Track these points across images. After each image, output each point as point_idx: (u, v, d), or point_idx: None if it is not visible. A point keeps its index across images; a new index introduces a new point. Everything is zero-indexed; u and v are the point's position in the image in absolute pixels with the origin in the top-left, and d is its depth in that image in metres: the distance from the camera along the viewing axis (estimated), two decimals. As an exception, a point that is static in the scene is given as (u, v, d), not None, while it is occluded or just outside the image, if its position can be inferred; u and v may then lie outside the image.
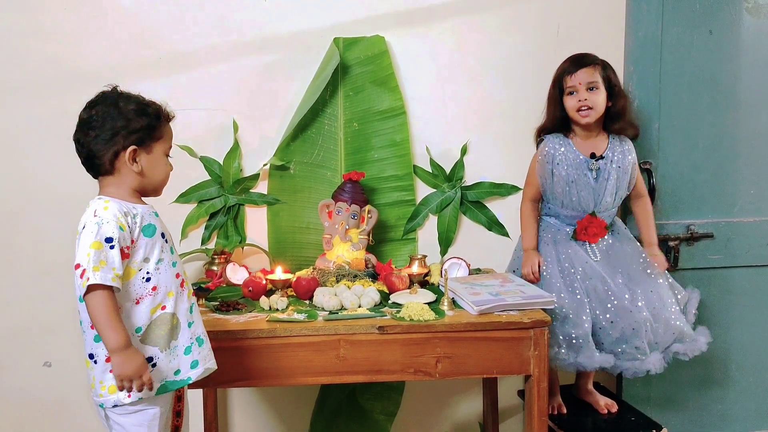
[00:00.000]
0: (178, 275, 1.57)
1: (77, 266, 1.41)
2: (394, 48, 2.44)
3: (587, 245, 2.22)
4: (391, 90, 2.44)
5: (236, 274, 2.27)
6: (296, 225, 2.48)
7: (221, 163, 2.43)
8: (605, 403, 2.32)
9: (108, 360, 1.46)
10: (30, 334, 2.40)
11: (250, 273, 2.28)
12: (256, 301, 2.07)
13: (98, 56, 2.35)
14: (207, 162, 2.43)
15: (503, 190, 2.53)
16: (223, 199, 2.44)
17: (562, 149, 2.23)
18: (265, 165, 2.43)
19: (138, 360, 1.44)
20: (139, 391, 1.44)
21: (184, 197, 2.42)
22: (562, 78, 2.19)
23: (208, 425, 2.36)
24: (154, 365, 1.51)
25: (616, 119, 2.21)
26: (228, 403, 2.55)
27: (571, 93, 2.18)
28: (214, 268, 2.33)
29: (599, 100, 2.17)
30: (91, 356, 1.50)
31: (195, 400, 2.34)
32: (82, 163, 1.53)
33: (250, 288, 2.11)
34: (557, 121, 2.24)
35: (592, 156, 2.21)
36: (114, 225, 1.43)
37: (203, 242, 2.46)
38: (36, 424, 2.47)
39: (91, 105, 1.50)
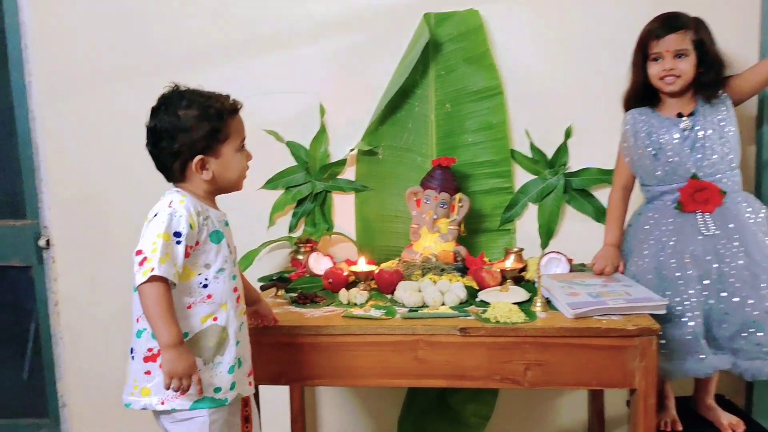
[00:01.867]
0: (235, 289, 1.49)
1: (138, 252, 1.36)
2: (489, 22, 2.26)
3: (699, 218, 1.91)
4: (486, 68, 2.26)
5: (320, 264, 2.18)
6: (384, 213, 2.36)
7: (308, 149, 2.36)
8: (729, 422, 2.01)
9: (147, 359, 1.41)
10: (129, 317, 2.44)
11: (334, 263, 2.19)
12: (336, 293, 1.97)
13: (184, 41, 2.35)
14: (293, 147, 2.36)
15: (612, 177, 2.26)
16: (310, 186, 2.37)
17: (643, 117, 2.00)
18: (352, 150, 2.34)
19: (189, 359, 1.37)
20: (186, 391, 1.37)
21: (271, 183, 2.37)
22: (647, 42, 1.94)
23: (294, 421, 2.31)
24: None
25: (709, 88, 1.94)
26: (316, 400, 2.49)
27: (655, 59, 1.94)
28: (300, 257, 2.26)
29: (687, 67, 1.92)
30: (131, 351, 1.45)
31: (283, 395, 2.30)
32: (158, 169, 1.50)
33: (330, 280, 2.01)
34: (640, 88, 2.00)
35: (680, 116, 1.95)
36: (185, 221, 1.38)
37: (291, 229, 2.40)
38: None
39: (153, 113, 1.44)
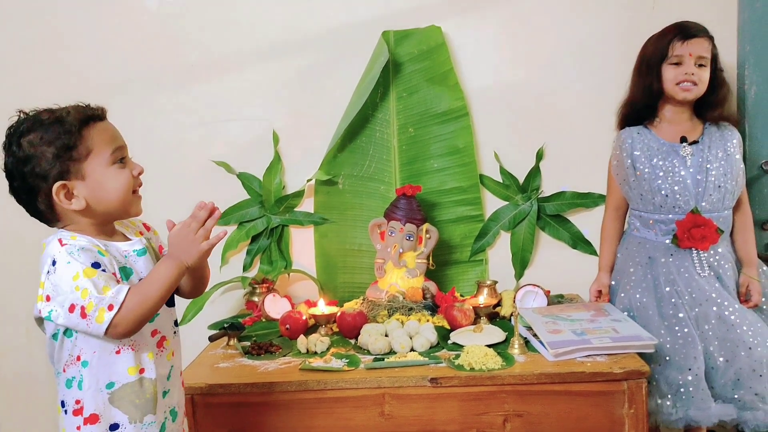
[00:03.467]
0: (154, 332, 1.27)
1: (72, 308, 1.13)
2: (452, 40, 2.13)
3: (694, 256, 1.78)
4: (450, 88, 2.12)
5: (276, 307, 2.00)
6: (347, 247, 2.19)
7: (261, 180, 2.19)
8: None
9: (76, 413, 1.20)
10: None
11: (293, 305, 2.01)
12: (294, 340, 1.79)
13: (129, 64, 2.17)
14: (245, 179, 2.19)
15: (589, 200, 2.15)
16: (265, 220, 2.20)
17: (642, 138, 1.85)
18: (309, 180, 2.18)
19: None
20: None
21: (222, 219, 2.18)
22: (670, 44, 1.79)
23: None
24: None
25: (714, 107, 1.83)
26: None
27: (676, 63, 1.79)
28: (255, 298, 2.08)
29: (705, 78, 1.80)
30: (62, 404, 1.23)
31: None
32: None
33: (288, 326, 1.83)
34: (646, 97, 1.84)
35: (683, 140, 1.80)
36: (92, 250, 1.16)
37: (245, 269, 2.21)
38: None
39: (3, 149, 1.21)
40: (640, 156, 1.83)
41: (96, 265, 1.15)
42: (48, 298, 1.15)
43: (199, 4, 2.15)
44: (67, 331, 1.19)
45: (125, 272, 1.21)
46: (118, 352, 1.21)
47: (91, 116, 1.21)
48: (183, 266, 1.20)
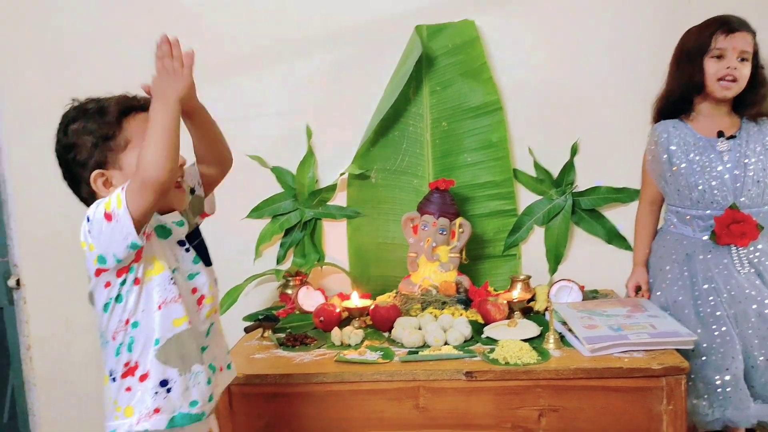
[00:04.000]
0: (194, 290, 1.29)
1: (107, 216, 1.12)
2: (486, 34, 2.11)
3: (732, 253, 1.75)
4: (484, 82, 2.11)
5: (310, 299, 2.01)
6: (379, 240, 2.20)
7: (294, 174, 2.20)
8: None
9: (125, 375, 1.22)
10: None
11: (326, 297, 2.02)
12: (328, 332, 1.80)
13: None
14: (279, 173, 2.21)
15: (624, 195, 2.13)
16: (298, 213, 2.21)
17: (678, 132, 1.82)
18: (342, 174, 2.18)
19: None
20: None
21: (256, 212, 2.21)
22: (712, 36, 1.75)
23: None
24: (169, 390, 1.23)
25: (753, 104, 1.79)
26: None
27: (718, 57, 1.75)
28: (289, 291, 2.10)
29: (746, 73, 1.76)
30: (110, 373, 1.25)
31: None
32: None
33: (322, 318, 1.84)
34: (684, 89, 1.81)
35: (720, 135, 1.77)
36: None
37: (279, 261, 2.23)
38: None
39: (55, 136, 1.25)
40: (677, 151, 1.80)
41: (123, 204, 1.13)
42: (91, 247, 1.16)
43: (232, 1, 2.16)
44: (118, 297, 1.21)
45: (164, 229, 1.24)
46: (160, 307, 1.22)
47: (133, 107, 1.23)
48: (171, 101, 1.15)
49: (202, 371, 1.26)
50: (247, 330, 1.82)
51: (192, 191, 1.35)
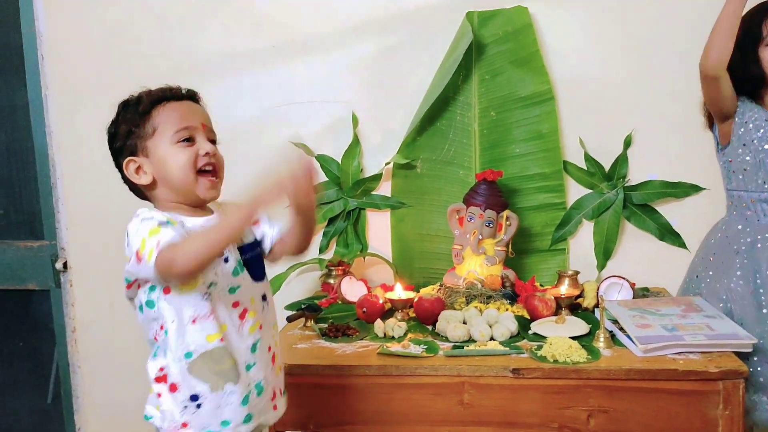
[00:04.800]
0: (236, 304, 1.27)
1: (131, 260, 1.17)
2: (539, 20, 2.05)
3: None
4: (535, 71, 2.05)
5: (353, 290, 1.99)
6: (424, 232, 2.17)
7: (339, 162, 2.18)
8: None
9: (158, 380, 1.24)
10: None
11: (369, 288, 2.00)
12: (371, 324, 1.78)
13: (206, 48, 2.21)
14: (324, 161, 2.19)
15: (679, 190, 2.06)
16: (342, 203, 2.19)
17: (749, 107, 1.75)
18: (388, 163, 2.15)
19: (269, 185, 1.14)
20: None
21: (299, 201, 2.18)
22: (763, 23, 1.68)
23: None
24: (199, 405, 1.23)
25: None
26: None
27: None
28: (331, 281, 2.08)
29: None
30: (149, 370, 1.27)
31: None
32: None
33: (365, 309, 1.82)
34: (743, 82, 1.73)
35: None
36: (162, 220, 1.18)
37: (321, 251, 2.21)
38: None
39: None
40: (751, 126, 1.73)
41: (163, 223, 1.17)
42: (127, 259, 1.19)
43: (280, -13, 2.15)
44: (149, 302, 1.23)
45: None
46: (194, 321, 1.22)
47: (164, 96, 1.25)
48: (257, 210, 1.15)
49: (236, 391, 1.24)
50: (289, 319, 1.82)
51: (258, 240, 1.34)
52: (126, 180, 1.28)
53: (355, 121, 2.15)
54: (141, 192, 1.29)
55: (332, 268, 2.10)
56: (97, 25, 2.25)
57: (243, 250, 1.30)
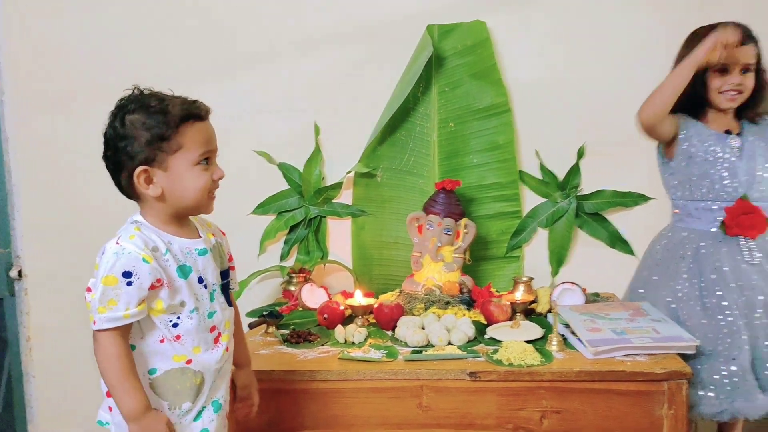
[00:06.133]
0: (212, 328, 1.30)
1: (88, 289, 1.22)
2: (496, 35, 2.13)
3: (741, 244, 1.76)
4: (493, 84, 2.12)
5: (313, 297, 2.02)
6: (383, 239, 2.21)
7: (301, 171, 2.21)
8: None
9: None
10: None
11: (329, 295, 2.03)
12: (332, 330, 1.81)
13: (168, 57, 2.22)
14: (286, 169, 2.22)
15: (628, 200, 2.15)
16: (303, 211, 2.22)
17: (692, 124, 1.84)
18: (349, 172, 2.20)
19: (161, 423, 1.19)
20: None
21: (261, 208, 2.22)
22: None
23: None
24: None
25: (754, 106, 1.83)
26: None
27: (721, 70, 1.77)
28: (292, 288, 2.10)
29: (751, 84, 1.79)
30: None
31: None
32: None
33: (326, 315, 1.85)
34: (687, 102, 1.82)
35: (728, 132, 1.81)
36: (135, 258, 1.19)
37: (282, 258, 2.24)
38: None
39: (109, 119, 1.26)
40: (693, 138, 1.82)
41: (126, 274, 1.18)
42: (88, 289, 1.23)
43: (243, -3, 2.18)
44: None
45: (183, 270, 1.24)
46: (162, 341, 1.24)
47: (193, 114, 1.24)
48: (126, 416, 1.20)
49: (191, 409, 1.27)
50: (251, 326, 1.83)
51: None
52: (115, 179, 1.26)
53: (317, 130, 2.19)
54: (130, 193, 1.27)
55: (293, 275, 2.12)
56: (56, 32, 2.24)
57: (222, 275, 1.34)
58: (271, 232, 2.22)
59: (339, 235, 2.24)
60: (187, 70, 2.19)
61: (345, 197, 2.22)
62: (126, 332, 1.20)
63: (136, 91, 1.25)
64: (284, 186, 2.22)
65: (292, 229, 2.23)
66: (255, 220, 2.22)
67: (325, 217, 2.23)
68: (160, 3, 2.20)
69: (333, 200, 2.22)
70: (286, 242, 2.24)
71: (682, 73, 1.74)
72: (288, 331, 1.80)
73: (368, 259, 2.21)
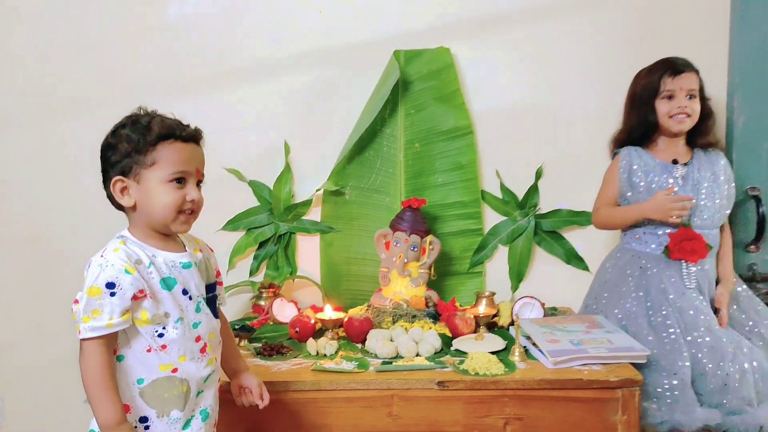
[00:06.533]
0: (198, 338, 1.36)
1: (76, 301, 1.26)
2: (460, 61, 2.22)
3: (683, 268, 1.89)
4: (456, 107, 2.21)
5: (284, 311, 2.08)
6: (351, 256, 2.28)
7: (271, 188, 2.26)
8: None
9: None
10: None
11: (299, 309, 2.09)
12: (304, 343, 1.87)
13: (140, 74, 2.25)
14: (256, 187, 2.26)
15: (583, 218, 2.26)
16: (273, 227, 2.27)
17: (639, 155, 1.99)
18: (318, 190, 2.26)
19: None
20: None
21: (231, 225, 2.26)
22: (660, 79, 1.91)
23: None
24: (147, 428, 1.30)
25: (703, 134, 1.97)
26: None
27: (668, 97, 1.91)
28: (262, 302, 2.15)
29: (698, 109, 1.93)
30: None
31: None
32: None
33: (297, 329, 1.91)
34: (640, 128, 1.97)
35: (675, 162, 1.95)
36: (118, 269, 1.24)
37: (251, 273, 2.28)
38: None
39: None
40: (638, 170, 1.95)
41: (109, 285, 1.23)
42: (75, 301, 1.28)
43: (217, 18, 2.23)
44: None
45: (166, 283, 1.30)
46: (149, 351, 1.29)
47: (173, 134, 1.30)
48: (102, 426, 1.25)
49: (181, 417, 1.32)
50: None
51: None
52: (106, 186, 1.32)
53: (287, 149, 2.25)
54: (114, 203, 1.33)
55: (263, 290, 2.17)
56: (28, 46, 2.25)
57: (208, 288, 1.40)
58: (240, 248, 2.27)
59: (308, 251, 2.29)
60: (160, 89, 2.23)
61: (314, 214, 2.28)
62: (110, 342, 1.25)
63: (140, 111, 1.33)
64: (254, 203, 2.27)
65: (262, 245, 2.28)
66: (225, 237, 2.26)
67: (294, 233, 2.28)
68: (132, 21, 2.24)
69: (302, 217, 2.28)
70: (255, 258, 2.28)
71: (629, 218, 1.97)
72: (261, 345, 1.85)
73: (336, 275, 2.27)
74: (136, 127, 1.30)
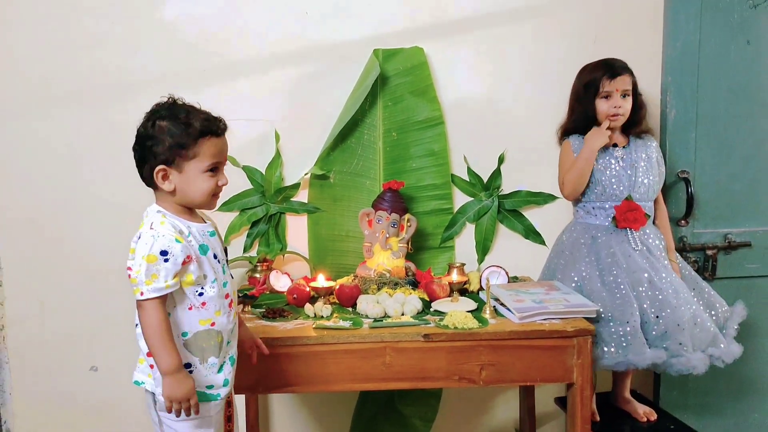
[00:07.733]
0: (227, 296, 1.60)
1: (129, 269, 1.47)
2: (432, 59, 2.46)
3: (629, 235, 2.20)
4: (429, 100, 2.47)
5: (279, 282, 2.31)
6: (336, 233, 2.52)
7: (263, 173, 2.47)
8: (644, 411, 2.31)
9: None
10: (77, 340, 2.47)
11: (292, 280, 2.32)
12: (301, 308, 2.11)
13: (143, 68, 2.41)
14: (249, 171, 2.47)
15: (540, 198, 2.55)
16: (264, 208, 2.49)
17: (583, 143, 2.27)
18: (305, 174, 2.47)
19: (188, 384, 1.48)
20: (187, 415, 1.49)
21: (226, 206, 2.47)
22: (600, 81, 2.21)
23: (250, 429, 2.39)
24: (191, 372, 1.54)
25: (636, 125, 2.27)
26: (269, 409, 2.59)
27: (606, 97, 2.22)
28: (257, 275, 2.38)
29: (629, 107, 2.23)
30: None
31: (237, 405, 2.38)
32: None
33: (295, 295, 2.15)
34: (583, 121, 2.27)
35: (615, 146, 2.26)
36: (169, 239, 1.47)
37: (245, 250, 2.50)
38: (83, 428, 2.52)
39: (144, 118, 1.53)
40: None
41: (163, 253, 1.46)
42: (128, 268, 1.50)
43: (211, 17, 2.40)
44: None
45: (203, 249, 1.55)
46: (190, 308, 1.53)
47: (211, 131, 1.52)
48: (163, 371, 1.49)
49: (216, 363, 1.57)
50: (231, 304, 2.10)
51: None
52: (139, 169, 1.53)
53: (277, 137, 2.47)
54: (149, 183, 1.54)
55: (258, 264, 2.40)
56: (26, 38, 2.38)
57: (226, 251, 1.66)
58: (235, 226, 2.48)
59: (296, 229, 2.51)
60: (156, 81, 2.39)
61: (302, 196, 2.50)
62: (164, 301, 1.48)
63: (170, 99, 1.53)
64: (248, 186, 2.48)
65: (254, 224, 2.49)
66: (220, 216, 2.44)
67: (284, 213, 2.49)
68: (126, 15, 2.38)
69: (291, 199, 2.49)
70: (248, 236, 2.50)
71: (582, 159, 2.22)
72: (263, 309, 2.09)
73: (323, 250, 2.51)
74: (177, 122, 1.49)
